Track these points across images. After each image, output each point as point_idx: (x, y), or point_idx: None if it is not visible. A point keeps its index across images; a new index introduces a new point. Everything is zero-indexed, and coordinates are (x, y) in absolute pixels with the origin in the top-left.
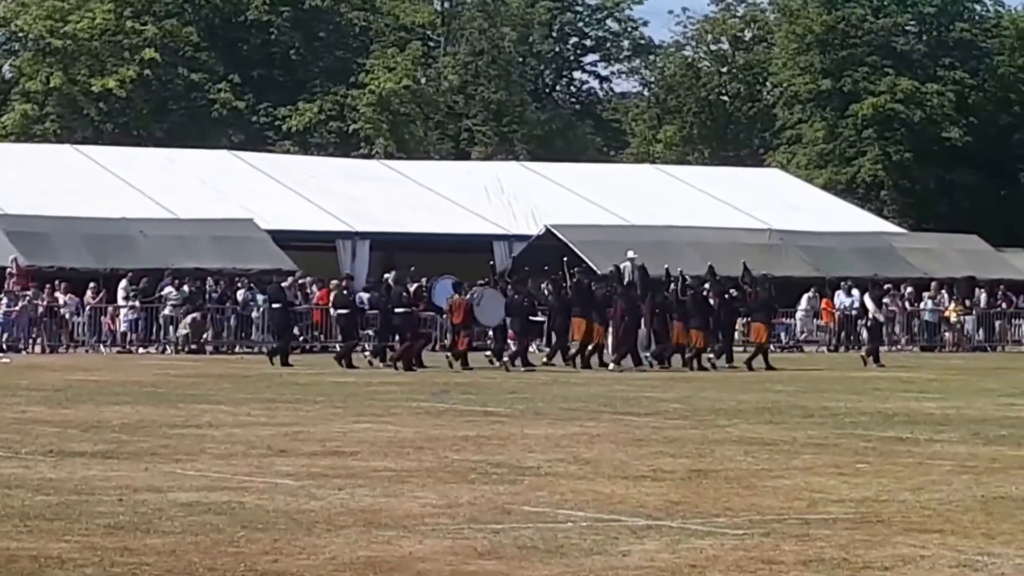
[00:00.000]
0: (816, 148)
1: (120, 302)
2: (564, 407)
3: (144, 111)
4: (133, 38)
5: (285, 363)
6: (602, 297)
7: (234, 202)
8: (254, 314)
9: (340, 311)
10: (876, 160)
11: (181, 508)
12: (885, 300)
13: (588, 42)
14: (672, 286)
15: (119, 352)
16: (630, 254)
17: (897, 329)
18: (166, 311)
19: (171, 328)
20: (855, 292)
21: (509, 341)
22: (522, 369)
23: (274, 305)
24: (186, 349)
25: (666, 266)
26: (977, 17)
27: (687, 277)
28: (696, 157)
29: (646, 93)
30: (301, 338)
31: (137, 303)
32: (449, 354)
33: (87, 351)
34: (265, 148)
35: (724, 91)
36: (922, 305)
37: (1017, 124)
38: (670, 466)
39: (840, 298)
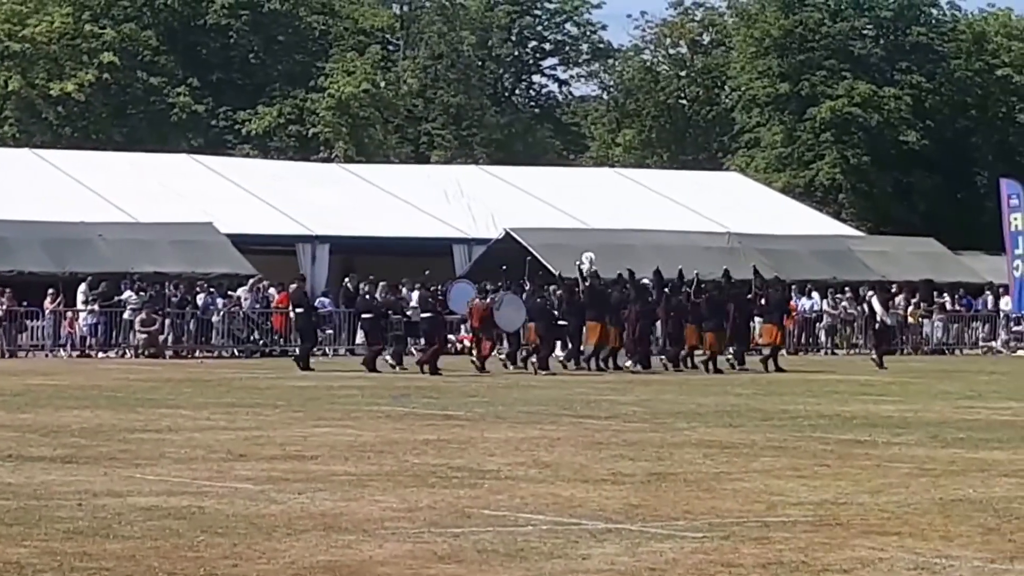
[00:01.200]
0: (774, 151)
1: (79, 306)
2: (524, 411)
3: (103, 115)
4: (92, 42)
5: (307, 367)
6: (616, 299)
7: (193, 206)
8: (214, 318)
9: (365, 316)
10: (834, 163)
11: (141, 513)
12: (843, 303)
13: (547, 46)
14: (686, 288)
15: (79, 356)
16: (586, 256)
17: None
18: (126, 315)
19: (131, 332)
20: (815, 295)
21: (529, 343)
22: (544, 373)
23: (298, 310)
24: (146, 353)
25: (680, 267)
26: (933, 21)
27: (702, 280)
28: (655, 161)
29: (605, 97)
30: (261, 342)
31: (96, 307)
32: (474, 359)
33: (46, 355)
34: (224, 152)
35: (683, 95)
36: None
37: (973, 128)
38: (630, 469)
39: (800, 301)
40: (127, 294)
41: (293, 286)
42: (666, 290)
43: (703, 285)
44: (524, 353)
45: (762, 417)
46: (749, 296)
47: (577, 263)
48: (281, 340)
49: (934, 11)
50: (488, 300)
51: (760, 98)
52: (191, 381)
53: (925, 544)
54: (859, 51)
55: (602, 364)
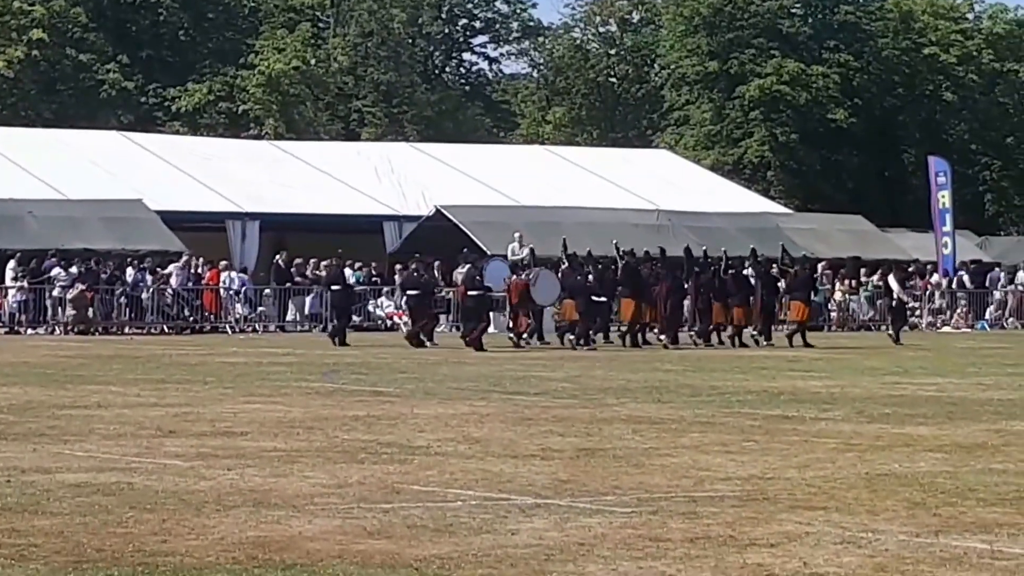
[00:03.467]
0: (703, 129)
1: (8, 283)
2: (454, 387)
3: (32, 92)
4: (21, 18)
5: (343, 343)
6: (647, 276)
7: (123, 183)
8: (144, 295)
9: (410, 292)
10: (763, 141)
11: (69, 489)
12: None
13: (477, 23)
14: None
15: (7, 333)
16: (516, 235)
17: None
18: (55, 292)
19: (60, 309)
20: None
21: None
22: (584, 348)
23: (333, 287)
24: (75, 329)
25: (704, 247)
26: (861, 0)
27: (729, 257)
28: (585, 138)
29: (535, 75)
30: (191, 319)
31: (25, 284)
32: (512, 335)
33: None
34: (155, 129)
35: (612, 73)
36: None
37: (901, 106)
38: (559, 445)
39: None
40: (56, 271)
41: (325, 263)
42: (696, 268)
43: (731, 262)
44: (561, 329)
45: (691, 393)
46: (775, 273)
47: (510, 245)
48: (212, 317)
49: None
50: (524, 275)
51: (689, 76)
52: (120, 357)
53: (851, 518)
54: (787, 30)
55: (638, 341)
